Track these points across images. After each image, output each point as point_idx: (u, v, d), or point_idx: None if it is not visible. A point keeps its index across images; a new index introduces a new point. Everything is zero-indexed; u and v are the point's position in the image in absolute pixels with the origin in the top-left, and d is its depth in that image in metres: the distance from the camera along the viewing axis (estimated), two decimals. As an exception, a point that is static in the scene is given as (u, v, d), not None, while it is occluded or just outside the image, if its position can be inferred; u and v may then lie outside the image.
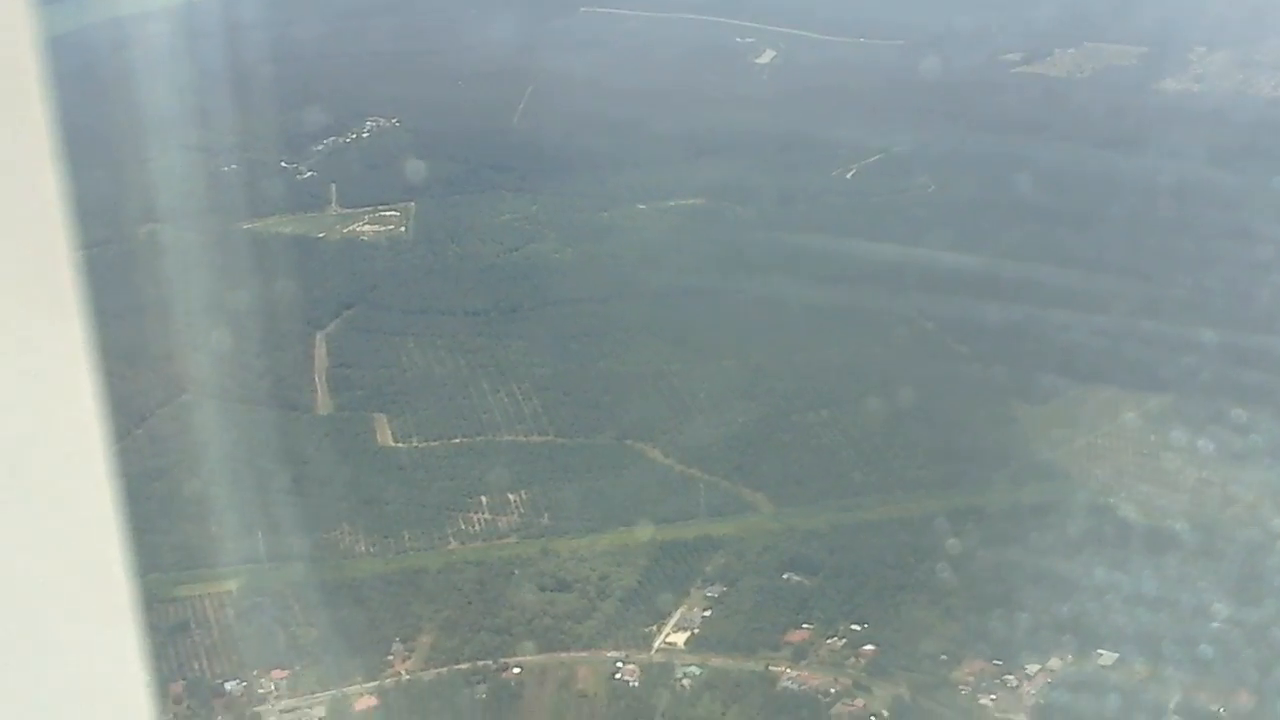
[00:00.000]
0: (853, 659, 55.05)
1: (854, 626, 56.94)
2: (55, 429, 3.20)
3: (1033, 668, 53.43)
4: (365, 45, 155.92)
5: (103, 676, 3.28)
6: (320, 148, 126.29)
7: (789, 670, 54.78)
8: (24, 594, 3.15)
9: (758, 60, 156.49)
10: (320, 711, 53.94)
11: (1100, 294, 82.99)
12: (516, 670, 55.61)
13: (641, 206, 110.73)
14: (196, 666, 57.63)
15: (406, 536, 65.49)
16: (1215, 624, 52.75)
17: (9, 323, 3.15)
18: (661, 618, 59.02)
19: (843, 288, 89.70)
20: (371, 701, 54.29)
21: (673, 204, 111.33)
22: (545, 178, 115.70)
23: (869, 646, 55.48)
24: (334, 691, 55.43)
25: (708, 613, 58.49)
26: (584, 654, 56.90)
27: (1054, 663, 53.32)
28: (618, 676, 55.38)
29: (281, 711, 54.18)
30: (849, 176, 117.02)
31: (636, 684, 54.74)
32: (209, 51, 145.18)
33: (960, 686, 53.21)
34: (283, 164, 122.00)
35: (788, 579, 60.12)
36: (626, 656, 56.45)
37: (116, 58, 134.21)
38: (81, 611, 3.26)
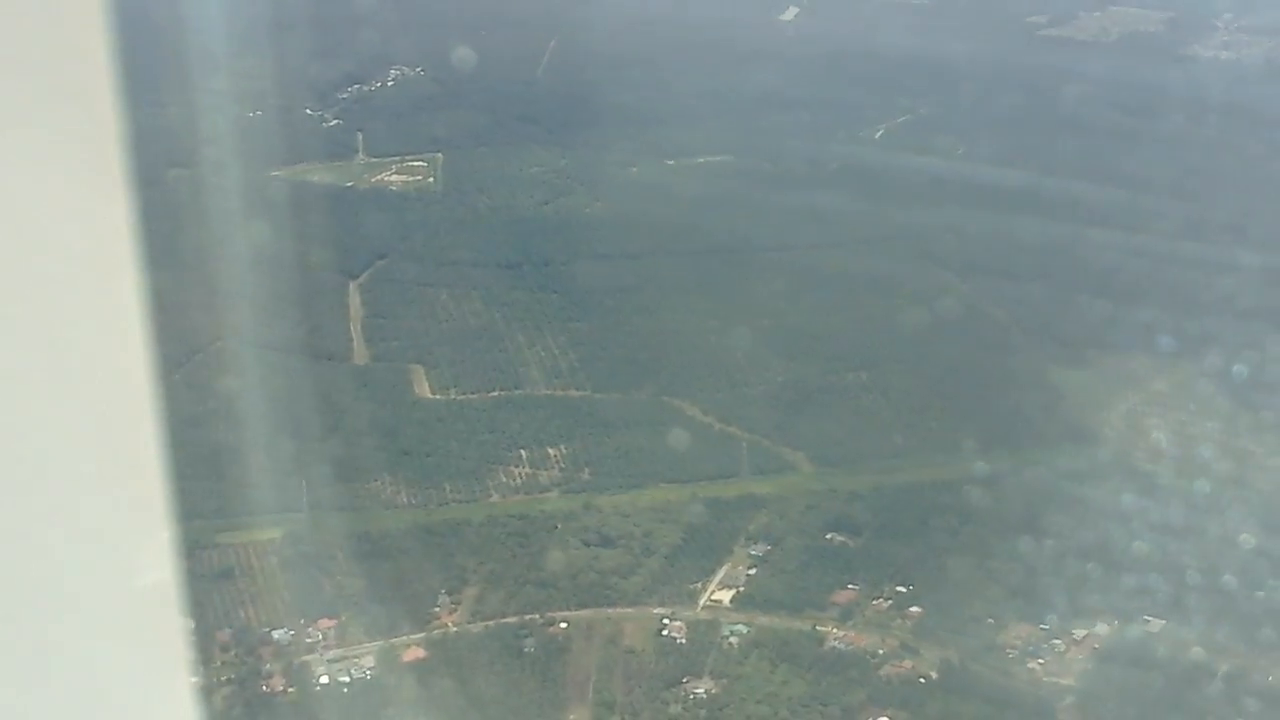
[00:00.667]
0: (899, 620, 55.22)
1: (899, 588, 57.04)
2: (103, 370, 3.10)
3: (1080, 632, 53.56)
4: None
5: (142, 621, 3.20)
6: (345, 96, 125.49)
7: (836, 630, 54.93)
8: (63, 535, 3.13)
9: (782, 17, 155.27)
10: (368, 661, 54.02)
11: (1139, 253, 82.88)
12: (563, 625, 55.72)
13: (670, 162, 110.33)
14: (242, 614, 57.68)
15: (448, 488, 65.45)
16: (1263, 593, 52.80)
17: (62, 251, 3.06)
18: (706, 575, 59.11)
19: (876, 248, 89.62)
20: (419, 653, 54.41)
21: (701, 161, 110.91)
22: (572, 131, 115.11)
23: (915, 608, 55.62)
24: (381, 642, 55.51)
25: (752, 571, 58.60)
26: (629, 610, 56.99)
27: (1101, 628, 53.42)
28: (664, 633, 55.53)
29: (329, 660, 54.30)
30: (877, 136, 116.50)
31: (683, 640, 54.88)
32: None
33: (1008, 650, 53.41)
34: (308, 111, 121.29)
35: (831, 539, 60.19)
36: (673, 613, 56.52)
37: (135, 2, 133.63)
38: (121, 552, 3.32)
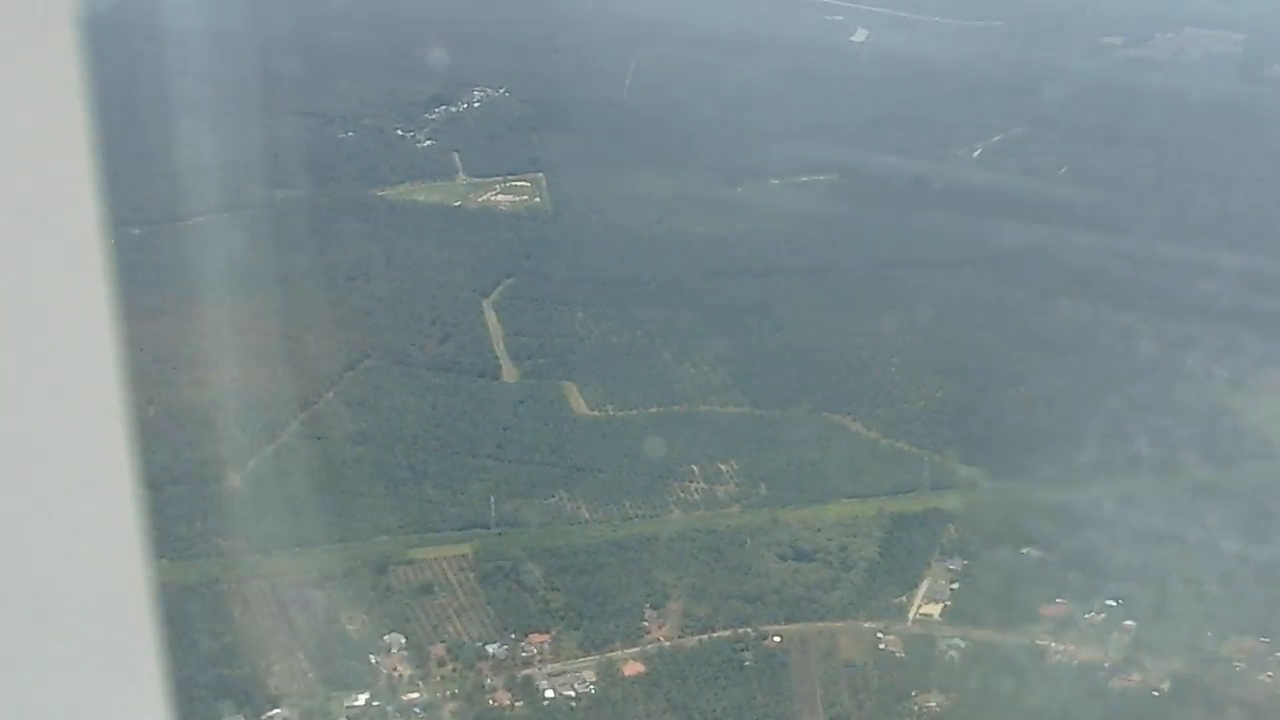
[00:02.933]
0: (1115, 634, 55.07)
1: (1108, 602, 56.84)
2: (74, 382, 3.08)
3: (1304, 645, 53.36)
4: (458, 13, 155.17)
5: (114, 632, 3.24)
6: (433, 116, 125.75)
7: (1054, 644, 54.63)
8: (35, 548, 3.11)
9: (852, 39, 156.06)
10: (589, 676, 53.89)
11: (1247, 271, 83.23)
12: (777, 639, 55.62)
13: (775, 181, 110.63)
14: (450, 629, 57.49)
15: (627, 504, 65.37)
16: None
17: (37, 308, 3.06)
18: (909, 589, 59.04)
19: (999, 265, 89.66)
20: (639, 667, 54.23)
21: (805, 180, 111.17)
22: (669, 150, 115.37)
23: (1129, 622, 55.52)
24: (596, 657, 55.41)
25: (955, 585, 58.54)
26: (839, 624, 56.90)
27: (1324, 641, 53.23)
28: (881, 647, 55.30)
29: (550, 675, 54.14)
30: (975, 156, 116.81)
31: (902, 654, 54.74)
32: (311, 20, 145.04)
33: (1234, 663, 53.19)
34: (399, 132, 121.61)
35: (1027, 553, 59.89)
36: (885, 627, 56.38)
37: (224, 22, 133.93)
38: (94, 564, 3.31)
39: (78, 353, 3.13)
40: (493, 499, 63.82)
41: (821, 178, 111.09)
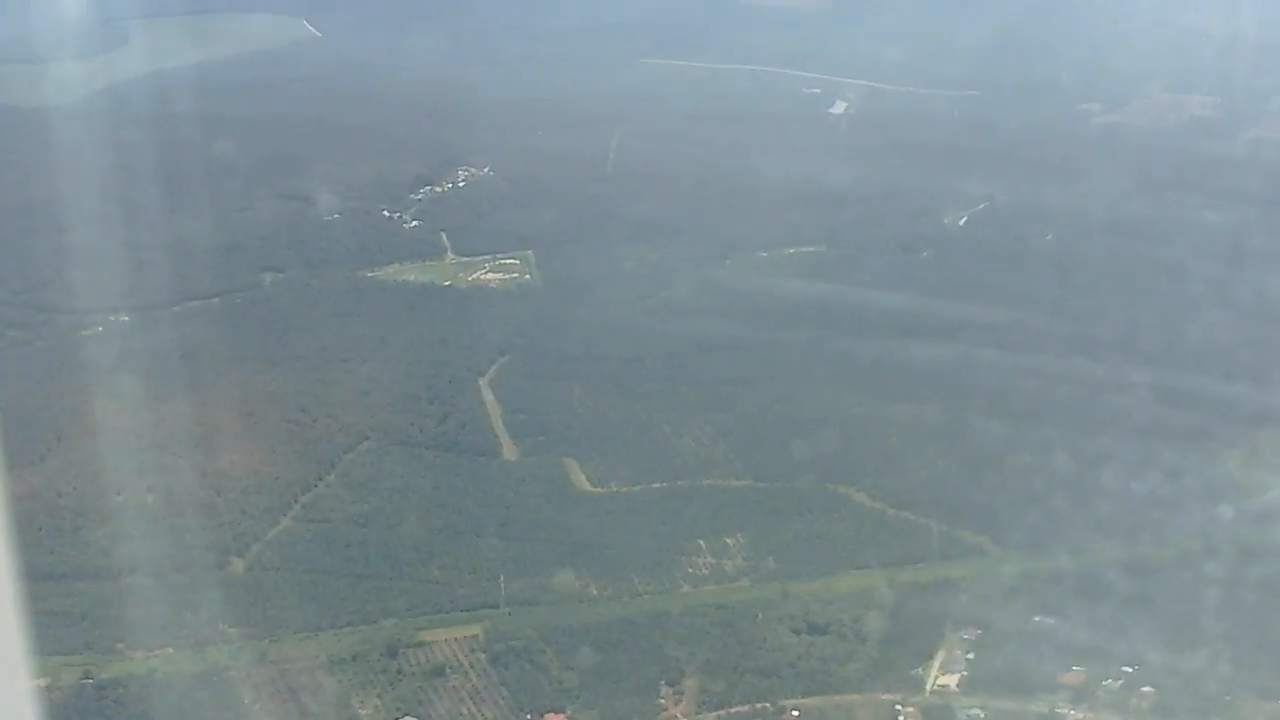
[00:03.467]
0: (1134, 699, 54.89)
1: (1125, 668, 56.66)
2: None
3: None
4: (436, 95, 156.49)
5: None
6: (419, 197, 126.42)
7: (1072, 711, 54.43)
8: None
9: (831, 110, 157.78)
10: (606, 756, 53.14)
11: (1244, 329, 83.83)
12: (795, 713, 55.24)
13: (763, 254, 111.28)
14: (464, 711, 57.01)
15: (635, 580, 65.17)
16: None
17: None
18: (924, 660, 58.82)
19: (1000, 335, 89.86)
20: (657, 746, 53.59)
21: (792, 251, 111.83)
22: (655, 226, 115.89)
23: (1147, 688, 55.30)
24: (613, 736, 54.73)
25: (970, 655, 58.38)
26: (855, 697, 56.66)
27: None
28: (900, 719, 54.87)
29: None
30: (961, 224, 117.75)
31: (920, 726, 54.30)
32: (291, 102, 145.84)
33: (1255, 726, 53.00)
34: (385, 213, 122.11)
35: (1040, 621, 59.78)
36: (903, 699, 56.10)
37: (200, 105, 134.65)
38: None
39: None
40: (502, 579, 63.32)
41: (809, 249, 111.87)
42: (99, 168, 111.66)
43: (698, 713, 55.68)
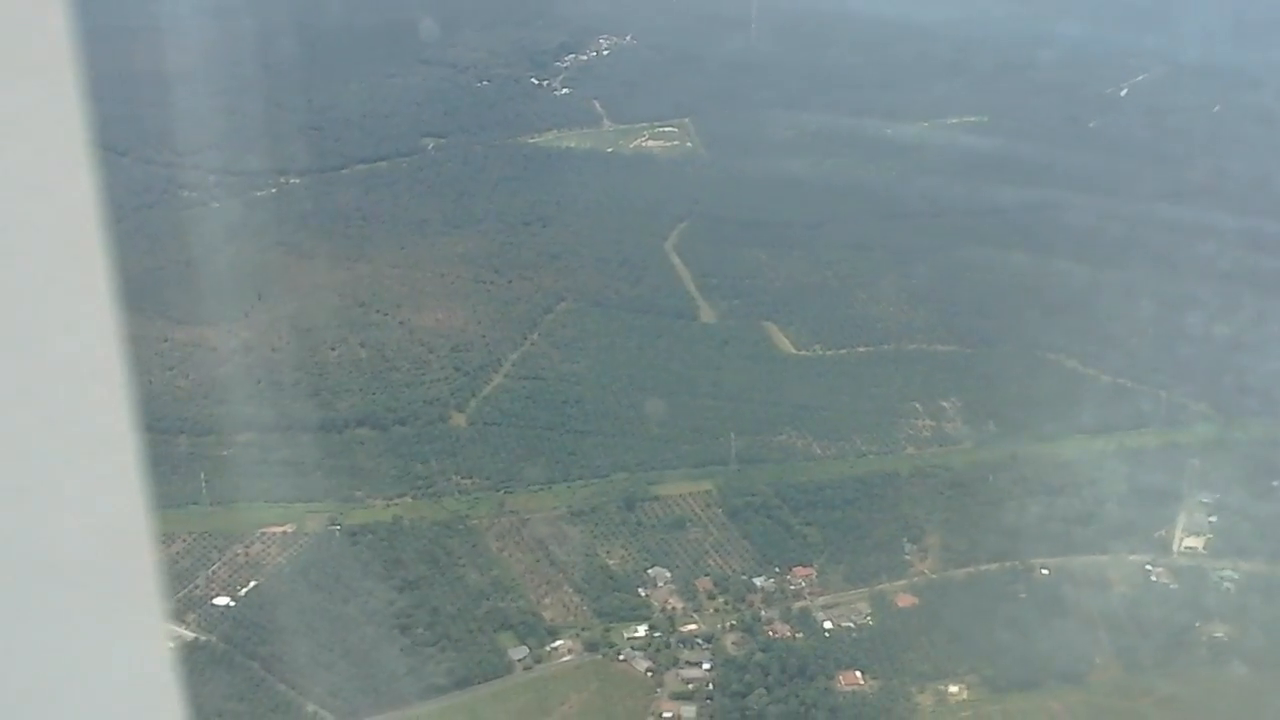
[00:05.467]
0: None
1: (1373, 531, 56.18)
2: (73, 341, 3.08)
3: None
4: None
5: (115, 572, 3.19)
6: (564, 65, 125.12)
7: (1327, 574, 54.15)
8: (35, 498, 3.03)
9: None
10: (863, 608, 53.83)
11: None
12: (1045, 571, 55.22)
13: (925, 124, 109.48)
14: (710, 563, 57.48)
15: (858, 441, 65.12)
16: None
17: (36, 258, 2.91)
18: (1167, 522, 58.63)
19: (1181, 202, 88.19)
20: (911, 600, 54.01)
21: (955, 121, 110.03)
22: (809, 94, 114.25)
23: (1401, 551, 54.76)
24: (865, 589, 55.22)
25: (1212, 518, 57.99)
26: (1103, 557, 56.61)
27: None
28: (1152, 579, 54.87)
29: (823, 607, 53.99)
30: (1123, 94, 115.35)
31: (1175, 586, 54.32)
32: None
33: None
34: (534, 80, 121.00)
35: (1278, 486, 59.28)
36: (1153, 560, 55.90)
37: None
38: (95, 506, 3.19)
39: (77, 322, 3.02)
40: (732, 436, 63.54)
41: (972, 119, 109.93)
42: (244, 35, 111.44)
43: (945, 569, 55.65)
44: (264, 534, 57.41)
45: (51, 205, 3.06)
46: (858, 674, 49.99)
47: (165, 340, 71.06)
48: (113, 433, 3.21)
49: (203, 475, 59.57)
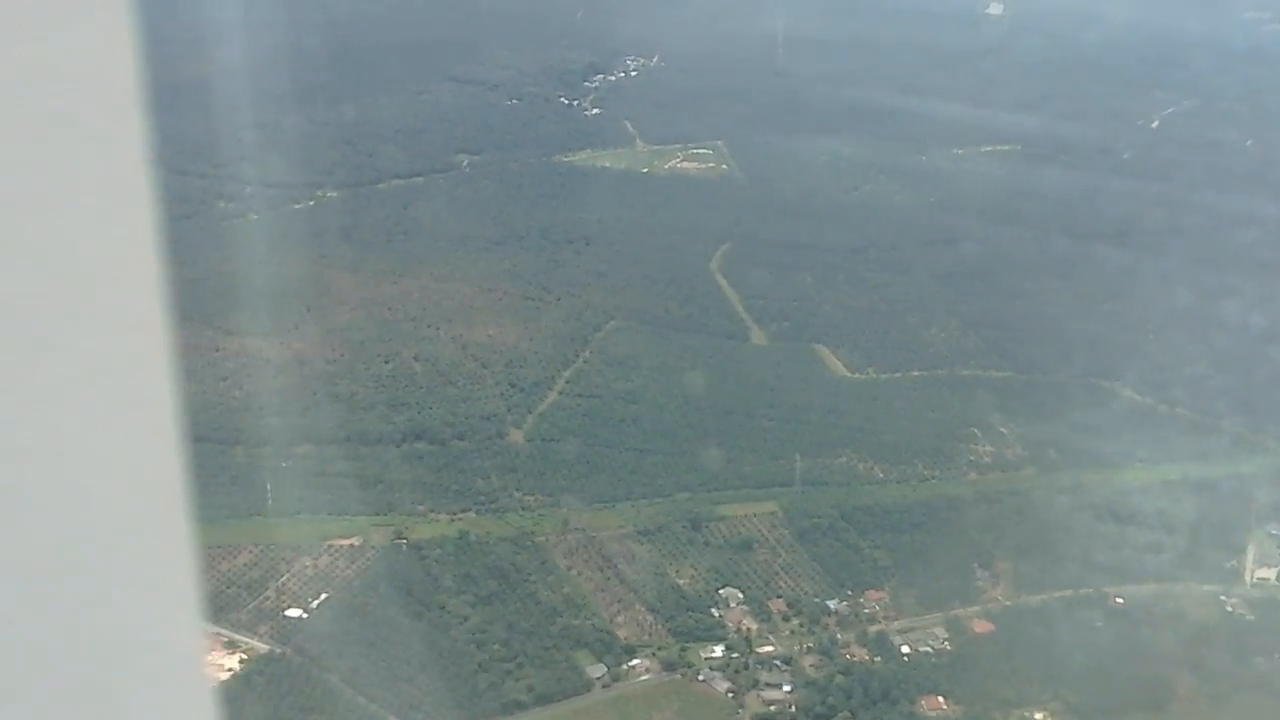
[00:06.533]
0: None
1: None
2: (123, 350, 3.11)
3: None
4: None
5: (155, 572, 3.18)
6: (592, 84, 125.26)
7: (1403, 609, 54.07)
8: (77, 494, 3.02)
9: (989, 11, 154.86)
10: (939, 633, 53.56)
11: None
12: (1119, 600, 55.02)
13: (958, 151, 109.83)
14: (781, 585, 57.25)
15: (919, 465, 64.92)
16: None
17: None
18: (1236, 552, 58.56)
19: (1212, 234, 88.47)
20: (988, 626, 53.77)
21: (988, 150, 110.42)
22: (839, 119, 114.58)
23: None
24: (938, 614, 55.00)
25: (1282, 550, 57.87)
26: (1173, 586, 56.45)
27: None
28: (1228, 609, 54.76)
29: (898, 631, 53.71)
30: (1154, 126, 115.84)
31: (1251, 617, 54.21)
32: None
33: None
34: (563, 100, 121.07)
35: (1348, 517, 59.26)
36: (1224, 590, 55.78)
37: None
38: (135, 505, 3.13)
39: (127, 327, 3.11)
40: (797, 457, 63.31)
41: (1004, 148, 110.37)
42: (272, 49, 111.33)
43: (1017, 596, 55.44)
44: (330, 546, 56.89)
45: (106, 208, 3.03)
46: (940, 699, 49.66)
47: (217, 350, 70.59)
48: (158, 440, 3.14)
49: (268, 486, 59.06)
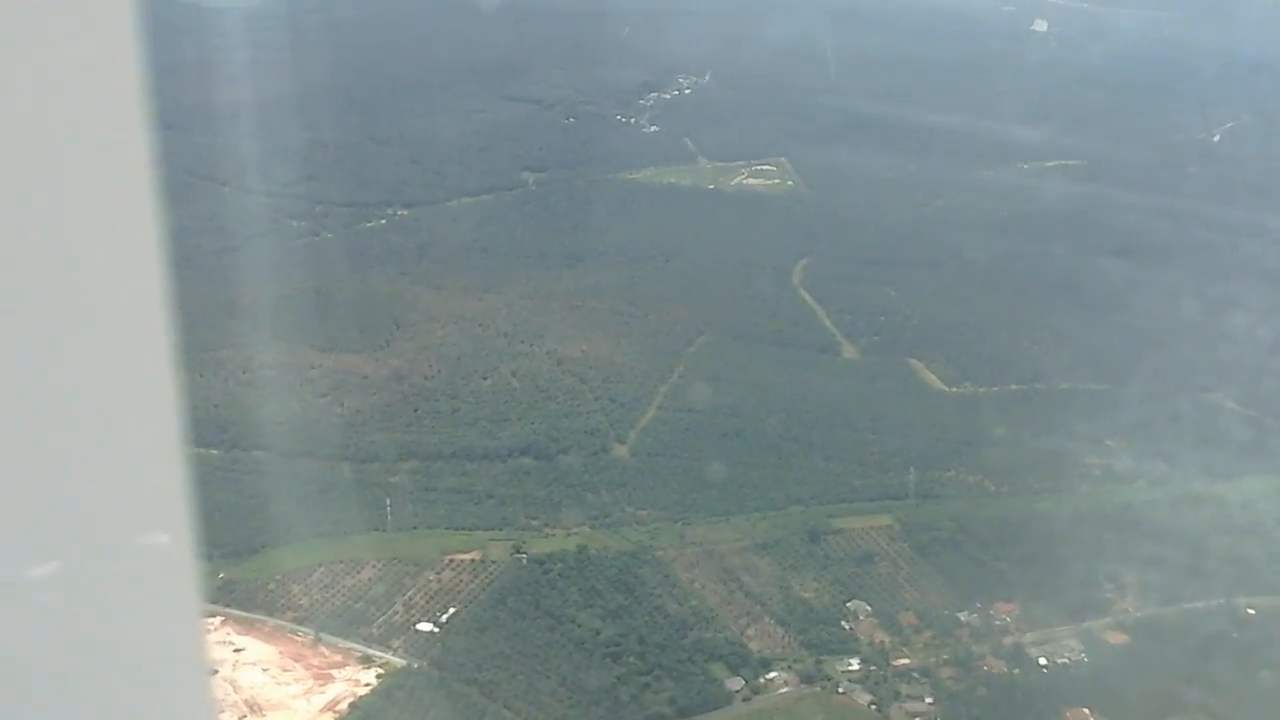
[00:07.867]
0: None
1: None
2: (126, 350, 3.14)
3: None
4: (633, 6, 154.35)
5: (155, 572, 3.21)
6: (647, 103, 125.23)
7: None
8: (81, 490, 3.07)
9: (1034, 29, 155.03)
10: (1074, 644, 53.11)
11: None
12: (1251, 611, 54.57)
13: (1024, 166, 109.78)
14: (908, 597, 56.82)
15: (1030, 478, 64.47)
16: None
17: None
18: (1373, 564, 57.95)
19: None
20: (1122, 637, 53.33)
21: (1053, 164, 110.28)
22: (901, 136, 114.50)
23: None
24: (1071, 626, 54.51)
25: None
26: (1305, 597, 55.79)
27: None
28: (1367, 620, 54.26)
29: (1033, 644, 53.25)
30: (1215, 140, 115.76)
31: (1391, 629, 53.66)
32: (501, 11, 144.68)
33: None
34: (619, 118, 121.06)
35: None
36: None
37: (433, 14, 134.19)
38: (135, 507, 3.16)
39: (130, 335, 3.11)
40: (912, 471, 62.95)
41: (1069, 163, 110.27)
42: (332, 70, 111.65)
43: (1147, 607, 54.97)
44: (452, 561, 56.56)
45: (110, 216, 3.06)
46: (1085, 711, 49.10)
47: (314, 368, 70.40)
48: (160, 445, 3.16)
49: (386, 502, 58.81)
